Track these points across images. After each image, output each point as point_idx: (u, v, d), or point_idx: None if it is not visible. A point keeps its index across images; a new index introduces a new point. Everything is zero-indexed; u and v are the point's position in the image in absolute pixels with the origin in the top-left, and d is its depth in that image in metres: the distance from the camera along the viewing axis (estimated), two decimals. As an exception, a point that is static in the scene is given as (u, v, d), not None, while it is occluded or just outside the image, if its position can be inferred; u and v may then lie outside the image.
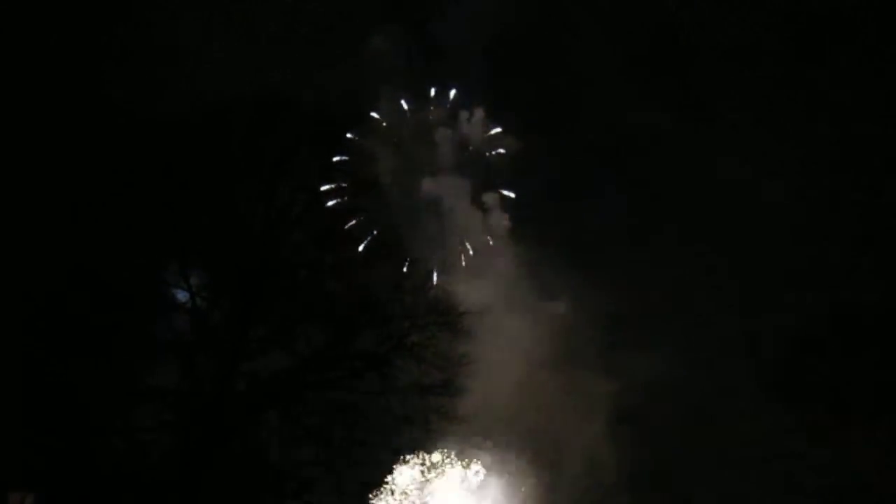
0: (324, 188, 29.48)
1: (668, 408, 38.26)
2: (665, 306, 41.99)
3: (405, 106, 42.55)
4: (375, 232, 30.02)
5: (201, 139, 27.19)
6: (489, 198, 43.45)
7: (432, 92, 43.50)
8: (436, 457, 31.68)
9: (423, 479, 31.28)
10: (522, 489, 30.67)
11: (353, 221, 29.51)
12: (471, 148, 43.96)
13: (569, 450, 37.82)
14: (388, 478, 30.46)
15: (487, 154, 44.09)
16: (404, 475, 31.15)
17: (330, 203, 29.63)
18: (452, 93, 43.64)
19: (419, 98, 43.68)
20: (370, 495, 29.88)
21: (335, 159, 30.04)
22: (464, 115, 44.03)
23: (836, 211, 39.59)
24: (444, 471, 30.89)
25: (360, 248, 29.14)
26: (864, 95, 40.14)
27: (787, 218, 41.29)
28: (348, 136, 32.60)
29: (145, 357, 26.66)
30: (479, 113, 44.05)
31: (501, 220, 43.02)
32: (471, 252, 41.90)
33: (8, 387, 21.87)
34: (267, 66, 31.29)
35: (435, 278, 31.64)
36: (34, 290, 22.74)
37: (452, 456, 30.91)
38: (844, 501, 31.88)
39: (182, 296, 27.51)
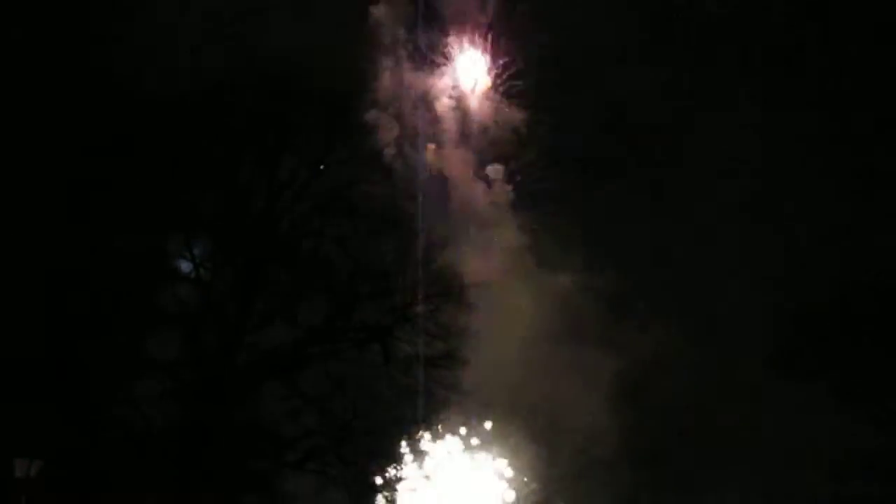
0: (326, 160, 29.27)
1: (671, 383, 38.32)
2: (670, 282, 41.94)
3: (407, 77, 42.30)
4: (378, 204, 29.88)
5: (205, 112, 27.09)
6: (493, 170, 43.28)
7: (435, 60, 43.25)
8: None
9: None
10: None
11: (356, 193, 29.32)
12: (474, 119, 43.71)
13: (570, 424, 37.91)
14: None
15: (490, 125, 43.86)
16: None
17: (332, 175, 29.43)
18: (457, 60, 43.41)
19: (422, 68, 43.43)
20: (373, 467, 29.98)
21: (338, 131, 29.80)
22: (468, 84, 43.80)
23: (842, 185, 39.41)
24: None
25: (363, 219, 28.94)
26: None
27: (793, 194, 41.14)
28: (351, 107, 32.32)
29: (148, 328, 26.75)
30: (483, 82, 43.80)
31: (504, 193, 42.89)
32: (474, 224, 41.80)
33: (14, 356, 21.94)
34: (269, 40, 31.01)
35: (438, 251, 31.49)
36: (38, 262, 22.75)
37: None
38: (848, 478, 31.99)
39: (186, 266, 27.59)
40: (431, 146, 43.31)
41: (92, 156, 24.11)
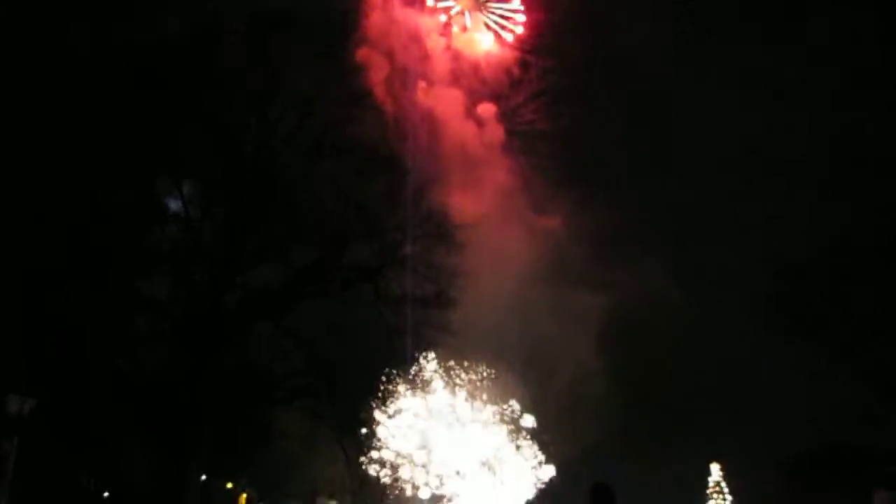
0: (317, 100, 28.98)
1: (659, 324, 38.72)
2: (659, 227, 42.14)
3: (397, 14, 41.71)
4: (369, 144, 29.70)
5: (193, 54, 26.70)
6: (484, 109, 43.00)
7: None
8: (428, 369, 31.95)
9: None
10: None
11: (347, 133, 29.12)
12: (466, 57, 43.24)
13: (559, 364, 38.31)
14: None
15: (482, 63, 43.47)
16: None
17: (323, 115, 29.18)
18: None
19: (412, 5, 42.84)
20: (363, 403, 30.32)
21: (327, 71, 29.44)
22: (458, 21, 43.26)
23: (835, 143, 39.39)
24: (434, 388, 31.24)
25: (353, 159, 28.81)
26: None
27: (787, 152, 41.22)
28: (340, 47, 31.91)
29: (140, 268, 26.74)
30: (475, 18, 43.29)
31: (496, 133, 42.69)
32: (465, 165, 41.67)
33: (9, 297, 21.99)
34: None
35: (428, 191, 31.46)
36: (32, 204, 22.65)
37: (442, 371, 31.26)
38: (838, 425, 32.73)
39: (175, 205, 27.45)
40: (422, 85, 42.93)
41: (81, 100, 23.84)
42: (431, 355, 28.90)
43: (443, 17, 43.33)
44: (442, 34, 43.25)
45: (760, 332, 34.32)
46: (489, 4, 44.00)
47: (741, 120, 42.47)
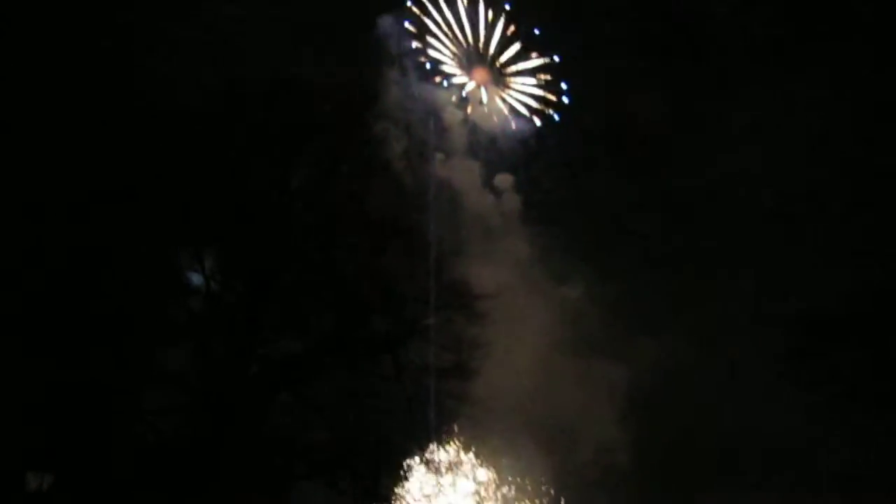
0: (336, 171, 29.32)
1: (682, 393, 38.17)
2: (678, 292, 41.82)
3: (415, 88, 42.35)
4: (388, 215, 29.89)
5: (215, 124, 27.16)
6: (501, 180, 43.28)
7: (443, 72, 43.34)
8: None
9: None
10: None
11: (366, 205, 29.36)
12: (483, 130, 43.73)
13: (581, 435, 37.73)
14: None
15: (499, 135, 43.93)
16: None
17: (343, 186, 29.46)
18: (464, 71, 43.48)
19: (430, 79, 43.49)
20: (382, 479, 29.83)
21: (347, 143, 29.85)
22: (475, 96, 43.86)
23: (849, 195, 39.35)
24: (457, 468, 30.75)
25: (373, 231, 28.95)
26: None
27: (798, 205, 41.16)
28: (360, 119, 32.37)
29: (160, 340, 26.71)
30: (491, 91, 43.88)
31: (514, 203, 42.85)
32: (484, 235, 41.72)
33: (27, 369, 21.95)
34: (278, 53, 31.17)
35: (449, 262, 31.45)
36: (54, 273, 22.78)
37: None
38: (861, 487, 31.84)
39: (196, 278, 27.56)
40: (440, 156, 43.31)
41: (102, 168, 24.15)
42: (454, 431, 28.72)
43: (461, 90, 43.95)
44: (458, 107, 43.83)
45: (788, 392, 33.79)
46: (508, 80, 44.68)
47: (764, 178, 42.47)
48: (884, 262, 34.38)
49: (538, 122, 43.93)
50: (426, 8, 43.10)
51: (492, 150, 44.02)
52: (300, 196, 28.74)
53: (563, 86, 44.13)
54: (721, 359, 39.54)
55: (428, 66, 42.69)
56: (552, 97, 44.14)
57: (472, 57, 43.82)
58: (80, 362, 23.13)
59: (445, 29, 43.48)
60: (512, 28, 44.45)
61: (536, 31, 44.41)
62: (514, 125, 43.75)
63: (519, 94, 44.23)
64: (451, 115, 43.90)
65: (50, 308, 22.74)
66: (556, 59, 44.41)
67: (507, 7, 44.14)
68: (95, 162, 24.11)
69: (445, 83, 43.19)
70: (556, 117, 43.97)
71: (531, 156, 44.27)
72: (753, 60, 44.08)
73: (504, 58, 44.41)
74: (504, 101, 44.93)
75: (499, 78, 44.97)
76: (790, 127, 41.75)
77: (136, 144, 25.15)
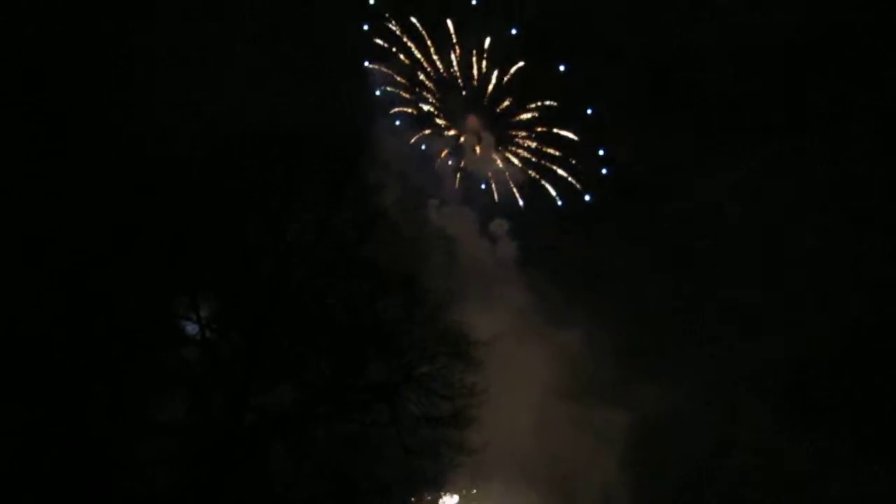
0: (331, 221, 29.48)
1: (682, 437, 37.99)
2: (677, 337, 41.85)
3: (409, 136, 42.82)
4: (384, 263, 29.99)
5: (210, 176, 27.41)
6: (497, 226, 43.53)
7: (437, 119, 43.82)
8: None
9: None
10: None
11: (362, 253, 29.47)
12: (478, 176, 44.04)
13: (581, 482, 37.44)
14: None
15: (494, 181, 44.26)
16: None
17: (338, 235, 29.61)
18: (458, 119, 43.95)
19: (424, 127, 43.96)
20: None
21: (342, 192, 30.07)
22: (469, 143, 44.29)
23: (842, 233, 39.67)
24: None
25: (369, 279, 29.04)
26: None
27: (793, 245, 41.44)
28: (354, 168, 32.67)
29: (155, 390, 26.64)
30: (487, 137, 44.33)
31: (509, 249, 43.06)
32: (480, 282, 41.82)
33: (22, 418, 21.89)
34: (272, 105, 31.63)
35: (444, 309, 31.43)
36: (49, 321, 22.84)
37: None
38: None
39: (192, 328, 27.57)
40: (435, 203, 43.64)
41: (97, 220, 24.35)
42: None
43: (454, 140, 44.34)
44: (453, 154, 44.23)
45: (787, 432, 33.69)
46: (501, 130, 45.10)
47: (759, 221, 42.83)
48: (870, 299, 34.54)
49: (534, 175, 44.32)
50: (415, 56, 43.76)
51: (486, 196, 44.40)
52: (296, 245, 28.78)
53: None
54: (720, 402, 39.43)
55: (418, 115, 43.28)
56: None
57: (465, 104, 44.35)
58: (73, 412, 23.09)
59: (434, 77, 44.06)
60: (506, 77, 45.11)
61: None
62: (507, 174, 44.21)
63: (516, 149, 44.73)
64: (445, 163, 44.35)
65: (43, 357, 22.74)
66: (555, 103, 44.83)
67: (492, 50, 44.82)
68: (95, 209, 24.34)
69: (438, 134, 43.73)
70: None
71: (526, 201, 44.60)
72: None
73: (497, 102, 44.95)
74: (496, 151, 45.34)
75: (493, 125, 45.46)
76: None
77: (132, 193, 25.40)
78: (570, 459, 37.28)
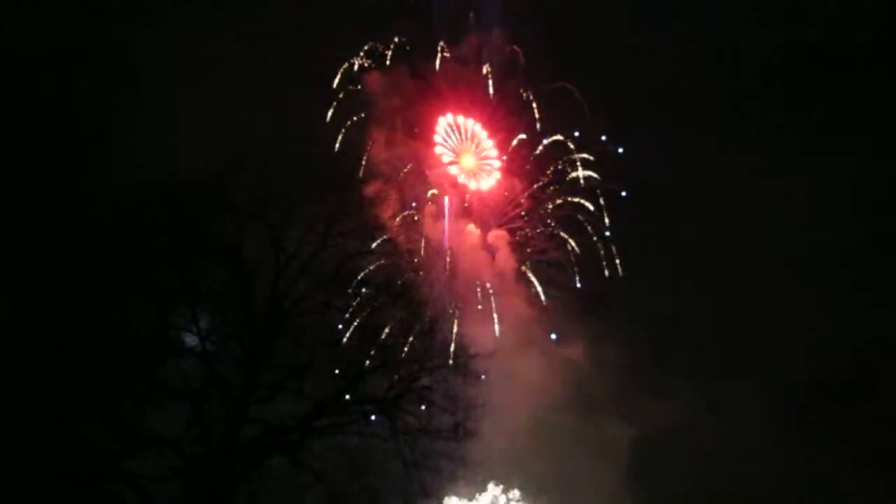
0: (331, 234, 29.52)
1: (684, 453, 37.92)
2: (682, 351, 41.87)
3: (408, 148, 42.90)
4: (383, 275, 30.07)
5: (210, 191, 27.48)
6: (496, 237, 43.55)
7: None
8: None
9: None
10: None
11: (361, 266, 29.55)
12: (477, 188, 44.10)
13: (582, 496, 37.33)
14: None
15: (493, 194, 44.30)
16: None
17: (337, 248, 29.65)
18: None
19: (422, 139, 44.07)
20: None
21: (340, 205, 30.15)
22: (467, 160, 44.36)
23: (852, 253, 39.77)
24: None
25: (368, 292, 29.08)
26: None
27: (802, 265, 41.55)
28: (352, 181, 32.79)
29: (154, 402, 26.57)
30: (488, 143, 44.45)
31: (509, 262, 43.07)
32: (479, 294, 41.81)
33: (20, 433, 21.83)
34: (271, 121, 31.76)
35: (443, 321, 31.48)
36: (48, 335, 22.81)
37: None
38: None
39: (192, 340, 27.54)
40: (433, 215, 43.67)
41: (97, 233, 24.38)
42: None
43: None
44: (452, 166, 44.35)
45: (792, 451, 33.64)
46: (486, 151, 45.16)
47: (765, 233, 42.97)
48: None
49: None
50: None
51: (485, 209, 44.45)
52: (295, 258, 28.81)
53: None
54: (723, 421, 39.41)
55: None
56: None
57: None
58: (71, 424, 23.03)
59: None
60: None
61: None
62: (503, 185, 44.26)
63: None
64: (445, 174, 44.42)
65: (41, 369, 22.69)
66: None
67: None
68: (96, 222, 24.40)
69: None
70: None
71: (524, 216, 44.64)
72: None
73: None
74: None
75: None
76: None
77: (132, 206, 25.45)
78: (571, 473, 37.16)
